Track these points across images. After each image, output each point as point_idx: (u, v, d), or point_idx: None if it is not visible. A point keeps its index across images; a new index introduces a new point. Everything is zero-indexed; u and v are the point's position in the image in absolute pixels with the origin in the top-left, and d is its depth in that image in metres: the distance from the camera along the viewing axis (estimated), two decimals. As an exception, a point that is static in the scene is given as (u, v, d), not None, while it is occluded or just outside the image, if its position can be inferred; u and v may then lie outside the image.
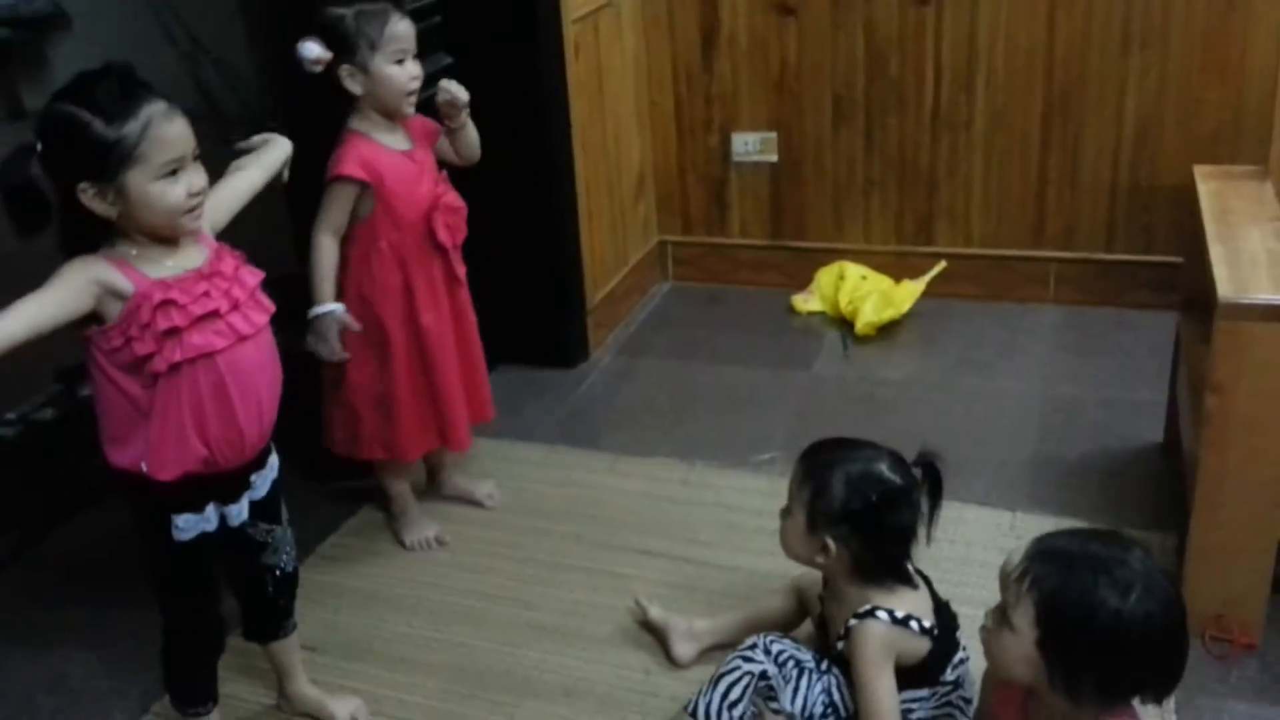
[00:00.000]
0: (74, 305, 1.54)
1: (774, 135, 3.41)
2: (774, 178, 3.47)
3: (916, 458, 1.82)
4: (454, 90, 2.26)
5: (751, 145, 3.44)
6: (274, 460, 1.81)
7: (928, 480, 1.80)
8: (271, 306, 1.72)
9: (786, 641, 1.86)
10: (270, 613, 1.92)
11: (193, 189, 1.58)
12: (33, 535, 2.54)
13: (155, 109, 1.53)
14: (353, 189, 2.20)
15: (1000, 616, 1.52)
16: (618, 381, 3.15)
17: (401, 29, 2.18)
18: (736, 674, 1.79)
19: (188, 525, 1.68)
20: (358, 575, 2.39)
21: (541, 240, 3.08)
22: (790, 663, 1.81)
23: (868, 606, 1.77)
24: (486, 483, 2.64)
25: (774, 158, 3.44)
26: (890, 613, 1.76)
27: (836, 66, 3.29)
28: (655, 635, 2.12)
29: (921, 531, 1.80)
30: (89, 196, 1.53)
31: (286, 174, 1.92)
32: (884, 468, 1.79)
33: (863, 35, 3.23)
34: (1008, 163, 3.24)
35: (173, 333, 1.57)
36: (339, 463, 2.46)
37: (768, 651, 1.82)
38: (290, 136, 1.95)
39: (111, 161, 1.51)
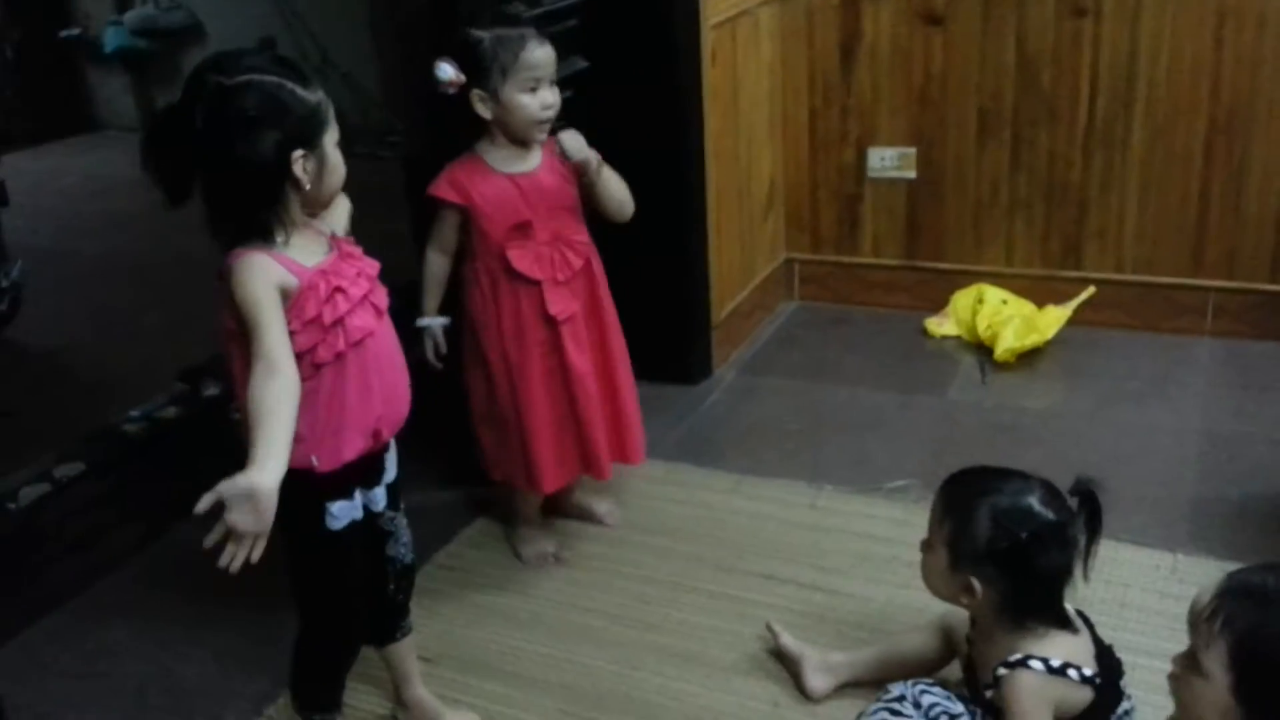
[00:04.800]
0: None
1: (913, 150, 3.28)
2: (911, 195, 3.33)
3: (1073, 486, 1.67)
4: (567, 146, 2.16)
5: (889, 160, 3.32)
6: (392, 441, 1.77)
7: (1085, 511, 1.66)
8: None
9: (937, 690, 1.72)
10: (390, 610, 1.86)
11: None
12: (154, 530, 2.54)
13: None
14: (447, 208, 2.17)
15: (1190, 661, 1.38)
16: (741, 400, 3.04)
17: (537, 57, 2.10)
18: (881, 728, 1.66)
19: (341, 513, 1.65)
20: (475, 587, 2.32)
21: (669, 251, 2.99)
22: (943, 717, 1.67)
23: (1020, 655, 1.63)
24: (607, 500, 2.55)
25: (912, 174, 3.30)
26: (1045, 661, 1.62)
27: (984, 79, 3.15)
28: (785, 665, 2.00)
29: (1078, 569, 1.65)
30: (300, 166, 1.50)
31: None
32: (1035, 501, 1.64)
33: (1014, 46, 3.09)
34: (1166, 184, 3.05)
35: (338, 321, 1.55)
36: (462, 468, 2.41)
37: (917, 704, 1.69)
38: (417, 152, 1.92)
39: (314, 125, 1.51)
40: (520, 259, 2.16)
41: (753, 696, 1.96)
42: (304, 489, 1.61)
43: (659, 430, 2.86)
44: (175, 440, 2.88)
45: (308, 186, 1.53)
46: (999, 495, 1.65)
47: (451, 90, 2.10)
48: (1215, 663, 1.35)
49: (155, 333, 3.67)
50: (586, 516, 2.52)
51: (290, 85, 1.49)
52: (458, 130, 2.21)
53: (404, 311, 1.94)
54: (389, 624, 1.88)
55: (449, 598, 2.27)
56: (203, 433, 2.92)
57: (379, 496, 1.73)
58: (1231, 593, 1.37)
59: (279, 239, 1.53)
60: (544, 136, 2.19)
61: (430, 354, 2.24)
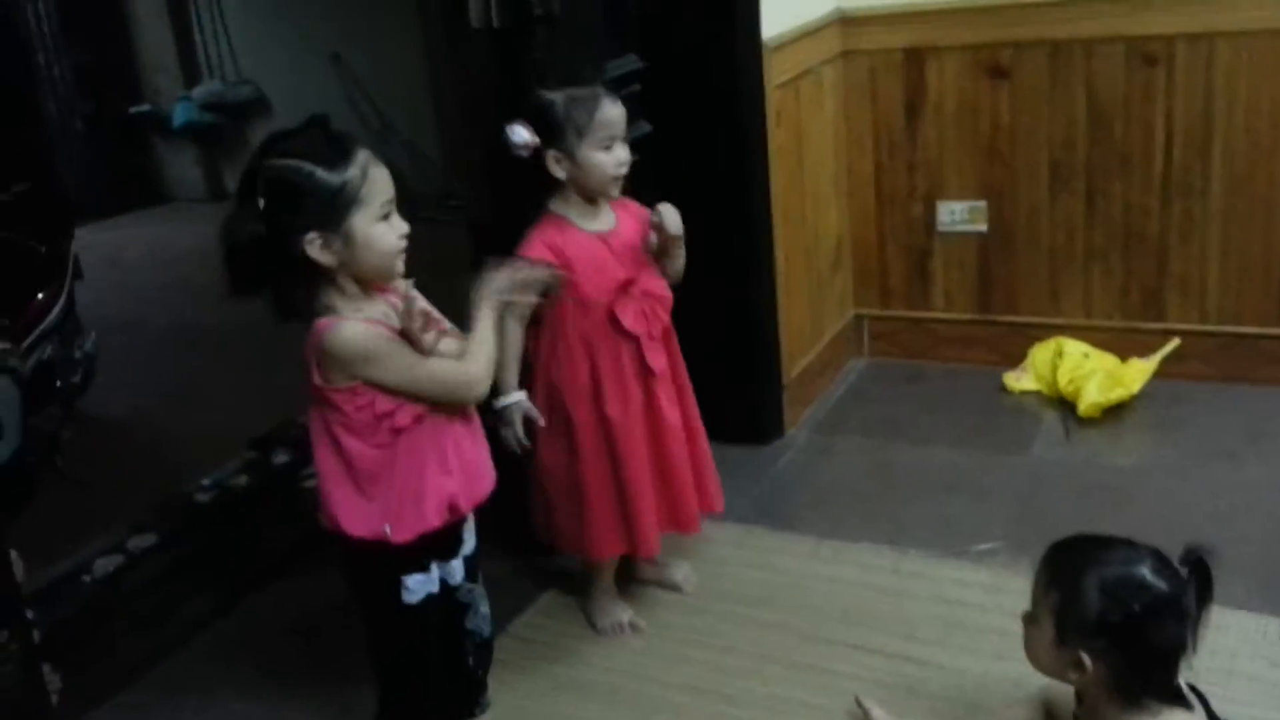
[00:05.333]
0: None
1: (983, 204, 3.22)
2: (983, 248, 3.27)
3: (1183, 555, 1.60)
4: (667, 220, 2.13)
5: (959, 214, 3.26)
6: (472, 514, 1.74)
7: (1196, 580, 1.58)
8: None
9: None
10: (468, 685, 1.83)
11: (402, 232, 1.60)
12: (226, 603, 2.52)
13: (365, 153, 1.56)
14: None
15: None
16: (815, 460, 2.97)
17: (611, 115, 2.10)
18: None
19: (417, 586, 1.63)
20: (549, 659, 2.26)
21: (738, 312, 2.95)
22: (1050, 795, 1.59)
23: (1133, 732, 1.55)
24: (683, 566, 2.49)
25: (983, 227, 3.24)
26: (1160, 739, 1.53)
27: (1054, 130, 3.09)
28: (876, 741, 1.93)
29: (1190, 641, 1.57)
30: (316, 247, 1.52)
31: None
32: (1147, 570, 1.56)
33: (1084, 97, 3.03)
34: (1249, 231, 2.96)
35: None
36: (531, 540, 2.36)
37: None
38: (481, 216, 1.90)
39: (339, 206, 1.51)
40: (624, 315, 2.14)
41: (844, 774, 1.89)
42: (379, 561, 1.59)
43: (732, 493, 2.77)
44: (247, 508, 2.88)
45: (332, 265, 1.53)
46: (1108, 565, 1.57)
47: (525, 153, 2.09)
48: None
49: (223, 401, 3.69)
50: (662, 583, 2.46)
51: (310, 169, 1.51)
52: (524, 192, 2.21)
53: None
54: (467, 699, 1.84)
55: (523, 670, 2.21)
56: (273, 500, 2.92)
57: (457, 569, 1.71)
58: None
59: (349, 309, 1.53)
60: (616, 193, 2.18)
61: (520, 433, 2.13)
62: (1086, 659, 1.57)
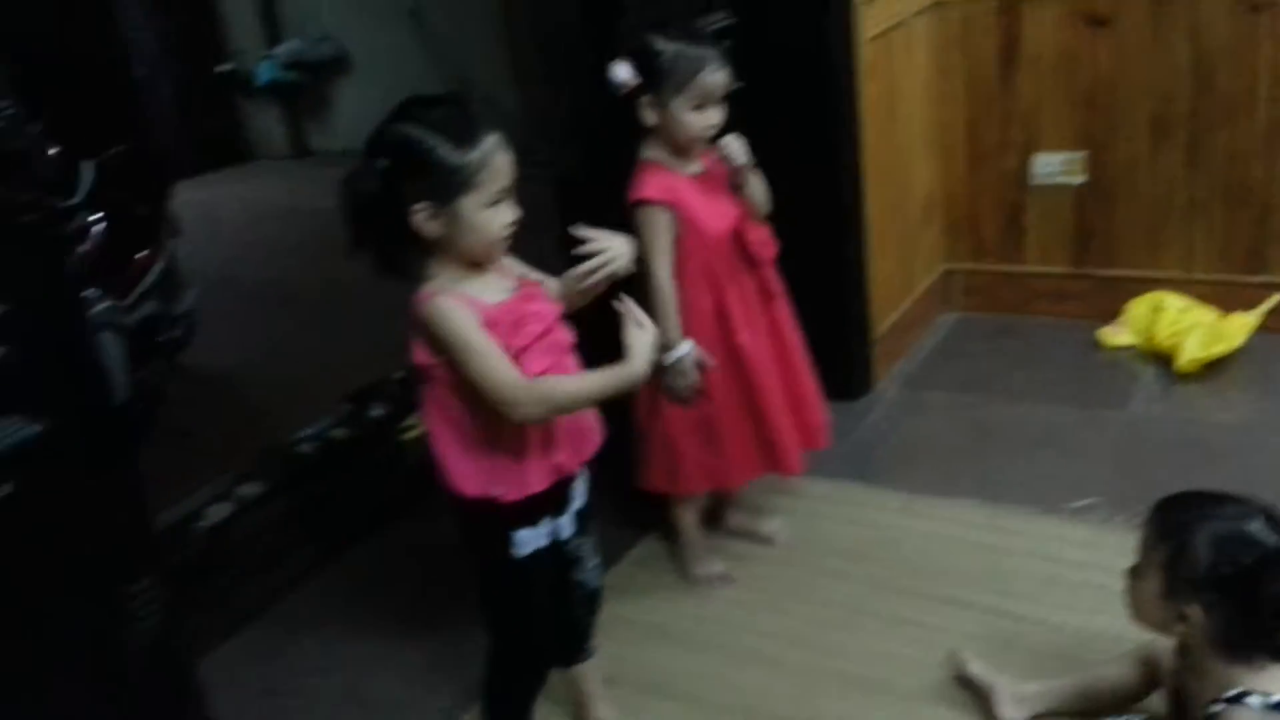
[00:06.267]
0: None
1: (1081, 155, 3.16)
2: (1079, 201, 3.21)
3: None
4: (730, 150, 2.16)
5: (1055, 166, 3.20)
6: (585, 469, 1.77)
7: None
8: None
9: (1148, 726, 1.64)
10: (576, 633, 1.87)
11: (508, 220, 1.60)
12: (332, 550, 2.60)
13: (494, 138, 1.56)
14: (663, 212, 2.14)
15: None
16: (905, 416, 2.97)
17: (712, 80, 2.10)
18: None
19: (526, 541, 1.66)
20: (645, 609, 2.30)
21: (827, 266, 2.93)
22: (1151, 749, 1.59)
23: (1237, 690, 1.54)
24: (773, 519, 2.51)
25: (1080, 179, 3.18)
26: (1265, 697, 1.52)
27: (1155, 79, 3.02)
28: (974, 694, 1.93)
29: None
30: (422, 218, 1.54)
31: None
32: (1258, 526, 1.56)
33: (1187, 45, 2.95)
34: (1357, 182, 2.88)
35: (517, 356, 1.56)
36: (627, 489, 2.39)
37: (1126, 739, 1.61)
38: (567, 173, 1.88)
39: (453, 185, 1.53)
40: (751, 240, 2.18)
41: (942, 726, 1.90)
42: (490, 517, 1.63)
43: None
44: (346, 459, 2.95)
45: (431, 237, 1.55)
46: (1219, 519, 1.57)
47: (623, 92, 2.11)
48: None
49: (317, 357, 3.77)
50: (753, 536, 2.49)
51: (435, 143, 1.52)
52: (613, 147, 2.23)
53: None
54: (575, 646, 1.88)
55: (622, 620, 2.25)
56: (371, 452, 2.99)
57: (566, 524, 1.73)
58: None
59: (452, 278, 1.57)
60: (703, 149, 2.19)
61: (695, 378, 2.14)
62: (1194, 612, 1.56)
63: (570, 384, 1.61)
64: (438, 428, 1.62)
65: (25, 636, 1.15)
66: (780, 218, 2.37)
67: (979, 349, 3.26)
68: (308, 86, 6.69)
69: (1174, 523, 1.61)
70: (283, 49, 6.66)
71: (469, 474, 1.60)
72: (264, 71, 6.67)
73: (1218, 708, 1.55)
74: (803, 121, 2.80)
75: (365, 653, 2.26)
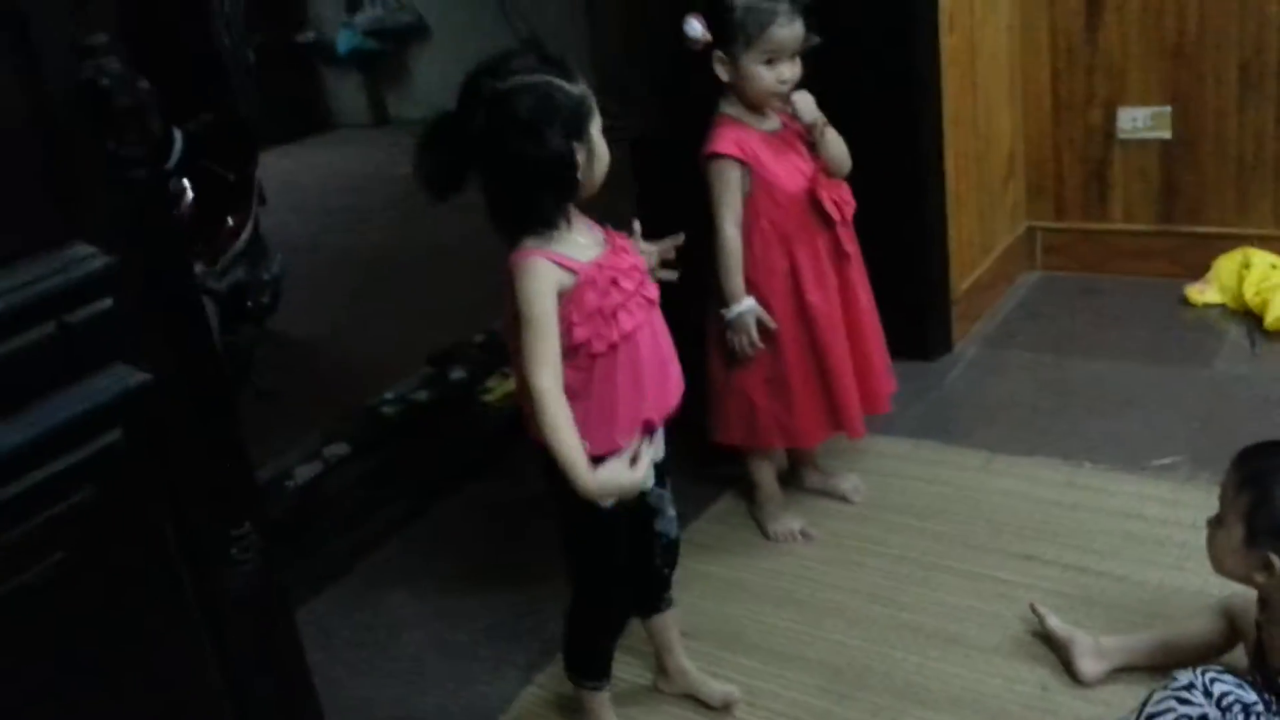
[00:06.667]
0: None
1: (1168, 109, 3.09)
2: (1165, 156, 3.14)
3: None
4: (800, 106, 2.16)
5: (1141, 121, 3.14)
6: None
7: None
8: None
9: (1229, 679, 1.62)
10: (655, 583, 1.91)
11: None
12: (417, 507, 2.67)
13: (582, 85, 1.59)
14: (734, 168, 2.15)
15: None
16: (984, 375, 2.95)
17: (782, 34, 2.11)
18: (1170, 716, 1.58)
19: None
20: (723, 564, 2.33)
21: (907, 223, 2.92)
22: (1236, 706, 1.57)
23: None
24: (851, 476, 2.52)
25: (1167, 134, 3.12)
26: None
27: (1245, 31, 2.94)
28: (1053, 649, 1.94)
29: None
30: (583, 155, 1.57)
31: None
32: None
33: (1278, -7, 2.87)
34: None
35: (613, 314, 1.59)
36: (704, 447, 2.42)
37: (1208, 693, 1.59)
38: (644, 132, 1.93)
39: (582, 115, 1.56)
40: (826, 200, 2.18)
41: (1020, 680, 1.91)
42: None
43: (900, 406, 2.78)
44: (428, 420, 3.02)
45: (581, 177, 1.58)
46: None
47: (697, 48, 2.13)
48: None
49: (399, 320, 3.85)
50: (831, 493, 2.50)
51: (557, 82, 1.54)
52: (690, 108, 2.24)
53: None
54: (654, 596, 1.92)
55: (700, 574, 2.29)
56: (452, 413, 3.06)
57: (646, 475, 1.75)
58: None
59: (560, 229, 1.59)
60: (779, 106, 2.19)
61: (755, 337, 2.18)
62: (1276, 561, 1.55)
63: (561, 427, 1.54)
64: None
65: (132, 578, 1.21)
66: (859, 175, 2.37)
67: (1061, 308, 3.23)
68: (387, 55, 6.78)
69: (1255, 471, 1.60)
70: (362, 18, 6.75)
71: None
72: (345, 40, 6.77)
73: (1300, 658, 1.54)
74: (882, 75, 2.78)
75: (449, 607, 2.33)
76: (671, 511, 1.86)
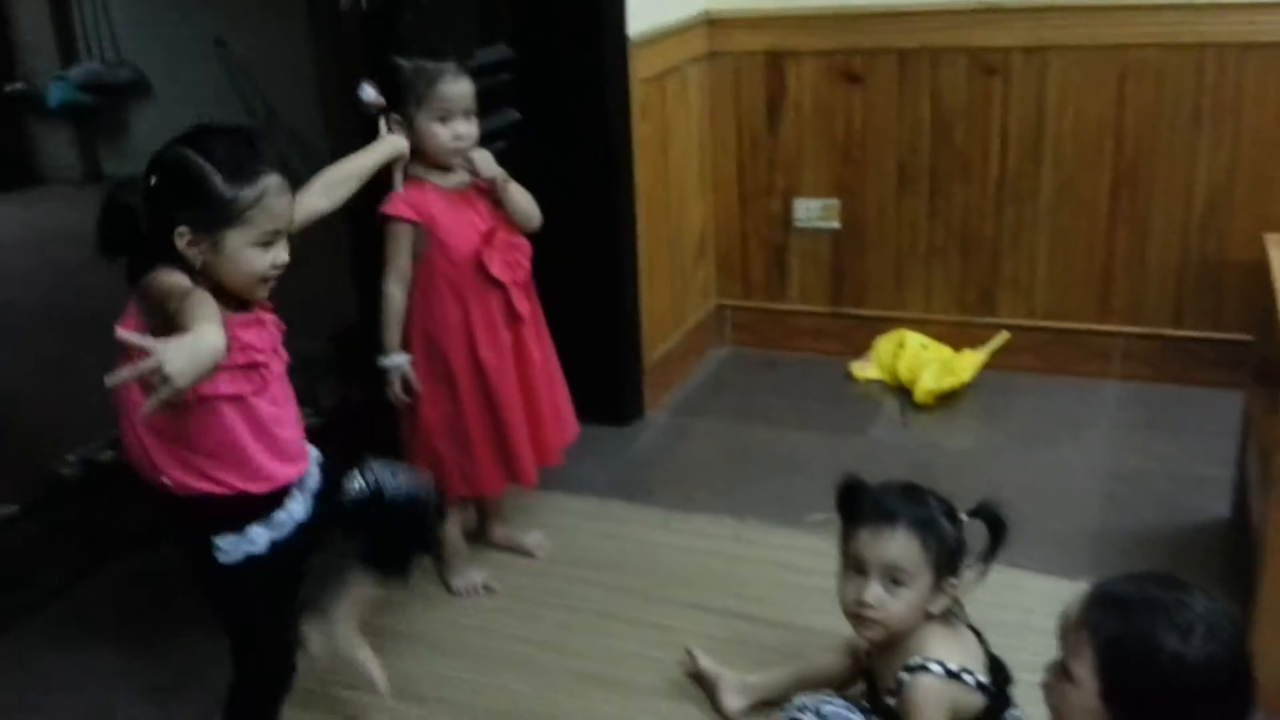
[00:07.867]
0: None
1: (836, 202, 3.42)
2: (835, 244, 3.46)
3: (974, 509, 1.80)
4: (478, 164, 2.27)
5: (814, 211, 3.45)
6: (312, 452, 1.81)
7: (988, 531, 1.80)
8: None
9: (838, 701, 1.80)
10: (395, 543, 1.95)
11: (277, 262, 1.63)
12: (86, 568, 2.55)
13: (273, 181, 1.60)
14: (406, 229, 2.24)
15: (1060, 670, 1.46)
16: (672, 441, 3.13)
17: (450, 91, 2.21)
18: (783, 735, 1.73)
19: (230, 547, 1.68)
20: (402, 619, 2.36)
21: (601, 297, 3.09)
22: (841, 724, 1.75)
23: (919, 659, 1.72)
24: (535, 533, 2.61)
25: (836, 224, 3.44)
26: (943, 665, 1.71)
27: (902, 134, 3.30)
28: (704, 687, 2.07)
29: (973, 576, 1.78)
30: (184, 241, 1.57)
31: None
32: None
33: (929, 103, 3.24)
34: (1074, 235, 3.21)
35: (252, 367, 1.62)
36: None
37: (819, 714, 1.77)
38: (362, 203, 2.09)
39: (219, 217, 1.56)
40: (491, 264, 2.26)
41: (670, 716, 2.03)
42: (190, 520, 1.68)
43: (591, 469, 2.93)
44: (108, 482, 2.90)
45: (195, 263, 1.58)
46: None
47: (372, 112, 2.21)
48: (1084, 669, 1.40)
49: (90, 381, 3.68)
50: (515, 548, 2.58)
51: (212, 173, 1.56)
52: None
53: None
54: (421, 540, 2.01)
55: (379, 629, 2.29)
56: (133, 474, 2.95)
57: (297, 511, 1.75)
58: (1097, 602, 1.43)
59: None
60: (460, 163, 2.28)
61: (399, 391, 2.28)
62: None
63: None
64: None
65: None
66: (558, 247, 2.50)
67: (745, 380, 3.47)
68: (104, 110, 6.52)
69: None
70: (78, 71, 6.47)
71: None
72: (57, 92, 6.46)
73: (904, 676, 1.72)
74: (578, 157, 2.94)
75: (111, 671, 2.24)
76: (383, 477, 1.86)
